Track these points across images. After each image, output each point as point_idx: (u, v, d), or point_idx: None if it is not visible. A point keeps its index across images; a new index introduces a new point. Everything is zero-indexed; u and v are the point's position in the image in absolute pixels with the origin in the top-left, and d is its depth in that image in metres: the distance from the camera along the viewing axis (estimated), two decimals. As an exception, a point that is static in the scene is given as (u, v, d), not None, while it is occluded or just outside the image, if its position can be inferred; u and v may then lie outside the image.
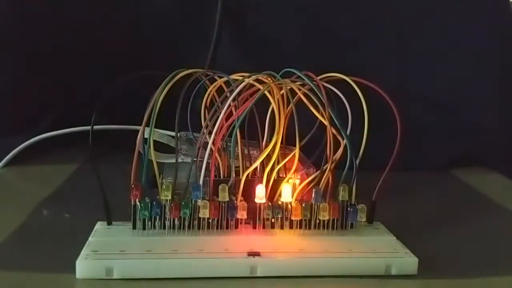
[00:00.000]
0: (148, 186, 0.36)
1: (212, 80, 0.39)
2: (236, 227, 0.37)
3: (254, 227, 0.38)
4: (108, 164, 0.38)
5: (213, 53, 0.59)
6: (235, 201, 0.37)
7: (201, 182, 0.37)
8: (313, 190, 0.38)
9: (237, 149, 0.38)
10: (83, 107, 0.43)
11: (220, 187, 0.37)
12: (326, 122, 0.37)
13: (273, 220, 0.38)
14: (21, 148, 0.55)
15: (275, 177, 0.38)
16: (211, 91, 0.39)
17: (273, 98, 0.37)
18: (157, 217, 0.36)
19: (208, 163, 0.37)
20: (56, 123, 0.57)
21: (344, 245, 0.36)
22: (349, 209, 0.38)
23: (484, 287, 0.35)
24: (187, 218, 0.36)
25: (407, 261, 0.35)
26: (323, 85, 0.37)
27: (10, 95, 0.58)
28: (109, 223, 0.38)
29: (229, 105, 0.37)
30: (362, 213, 0.38)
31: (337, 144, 0.38)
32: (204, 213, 0.36)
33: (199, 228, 0.37)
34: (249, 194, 0.37)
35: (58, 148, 0.57)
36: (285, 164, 0.39)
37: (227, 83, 0.39)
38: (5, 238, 0.38)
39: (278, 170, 0.39)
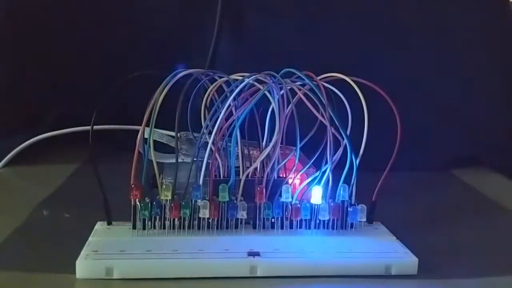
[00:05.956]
0: (148, 186, 0.37)
1: (212, 80, 0.39)
2: (236, 227, 0.37)
3: (254, 227, 0.38)
4: (108, 164, 0.38)
5: (213, 53, 0.59)
6: (235, 201, 0.37)
7: (201, 182, 0.37)
8: (313, 190, 0.38)
9: (237, 149, 0.38)
10: (83, 107, 0.43)
11: (220, 187, 0.37)
12: (326, 122, 0.37)
13: (273, 220, 0.38)
14: (21, 148, 0.55)
15: (275, 177, 0.38)
16: (211, 91, 0.39)
17: (273, 98, 0.37)
18: (157, 217, 0.36)
19: (208, 163, 0.37)
20: (56, 123, 0.57)
21: (344, 245, 0.36)
22: (349, 209, 0.38)
23: (484, 287, 0.35)
24: (187, 218, 0.36)
25: (407, 261, 0.35)
26: (323, 85, 0.37)
27: (10, 95, 0.58)
28: (109, 223, 0.38)
29: (229, 105, 0.37)
30: (362, 213, 0.38)
31: (337, 144, 0.38)
32: (204, 213, 0.36)
33: (199, 228, 0.37)
34: (249, 194, 0.37)
35: (58, 148, 0.56)
36: (285, 164, 0.39)
37: (227, 83, 0.39)
38: (5, 238, 0.38)
39: (278, 170, 0.39)
